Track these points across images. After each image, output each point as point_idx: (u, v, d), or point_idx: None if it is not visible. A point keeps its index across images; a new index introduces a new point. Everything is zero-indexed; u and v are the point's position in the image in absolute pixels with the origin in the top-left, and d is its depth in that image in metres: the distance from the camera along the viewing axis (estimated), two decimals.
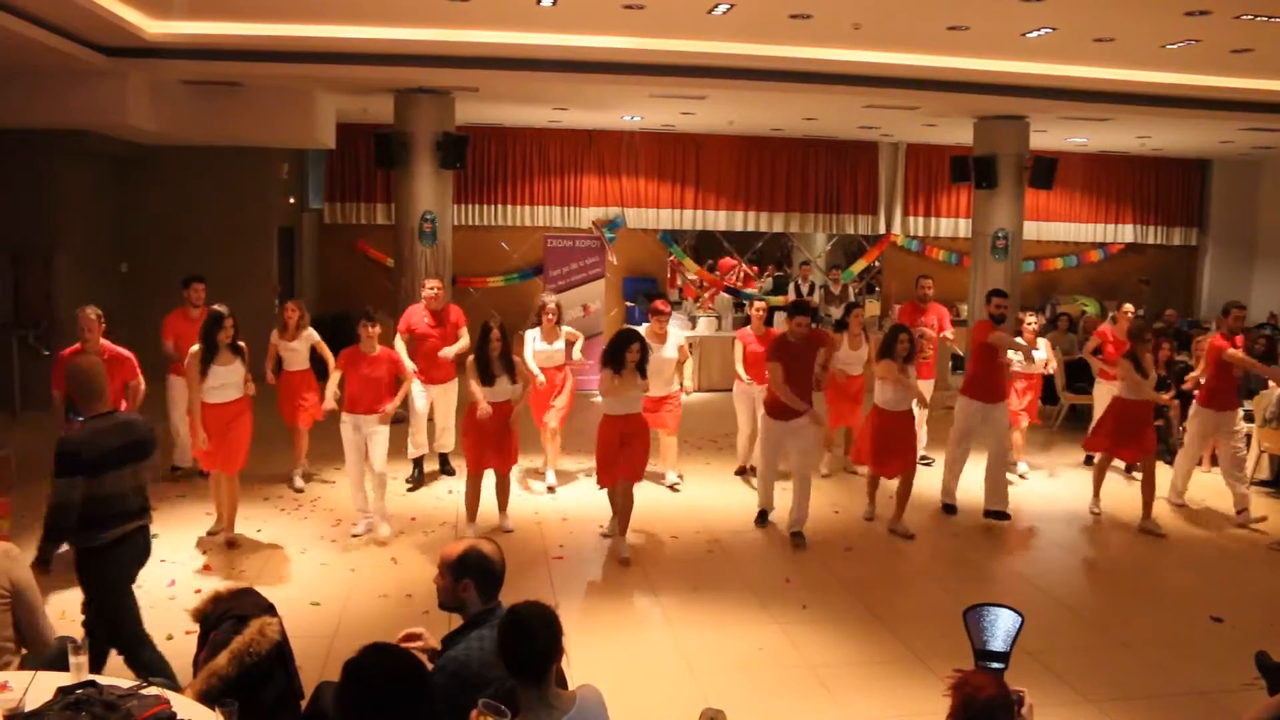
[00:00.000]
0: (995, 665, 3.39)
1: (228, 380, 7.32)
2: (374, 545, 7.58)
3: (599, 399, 7.70)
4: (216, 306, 7.38)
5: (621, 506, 7.51)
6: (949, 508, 8.71)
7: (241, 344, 7.42)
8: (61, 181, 11.61)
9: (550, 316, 8.93)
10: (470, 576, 3.73)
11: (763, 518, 8.33)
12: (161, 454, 8.82)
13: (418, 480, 9.30)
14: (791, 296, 13.92)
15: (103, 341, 7.38)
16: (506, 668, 3.15)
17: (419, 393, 9.12)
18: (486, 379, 7.59)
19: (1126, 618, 6.61)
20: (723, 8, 8.57)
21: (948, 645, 3.49)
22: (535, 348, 8.88)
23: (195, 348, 7.32)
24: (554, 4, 8.61)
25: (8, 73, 9.80)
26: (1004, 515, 8.40)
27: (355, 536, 7.73)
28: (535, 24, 9.42)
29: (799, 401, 7.67)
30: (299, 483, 9.06)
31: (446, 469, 9.65)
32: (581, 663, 5.36)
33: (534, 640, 3.12)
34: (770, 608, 6.53)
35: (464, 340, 9.06)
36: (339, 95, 12.32)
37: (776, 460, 8.06)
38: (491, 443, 7.68)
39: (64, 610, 5.97)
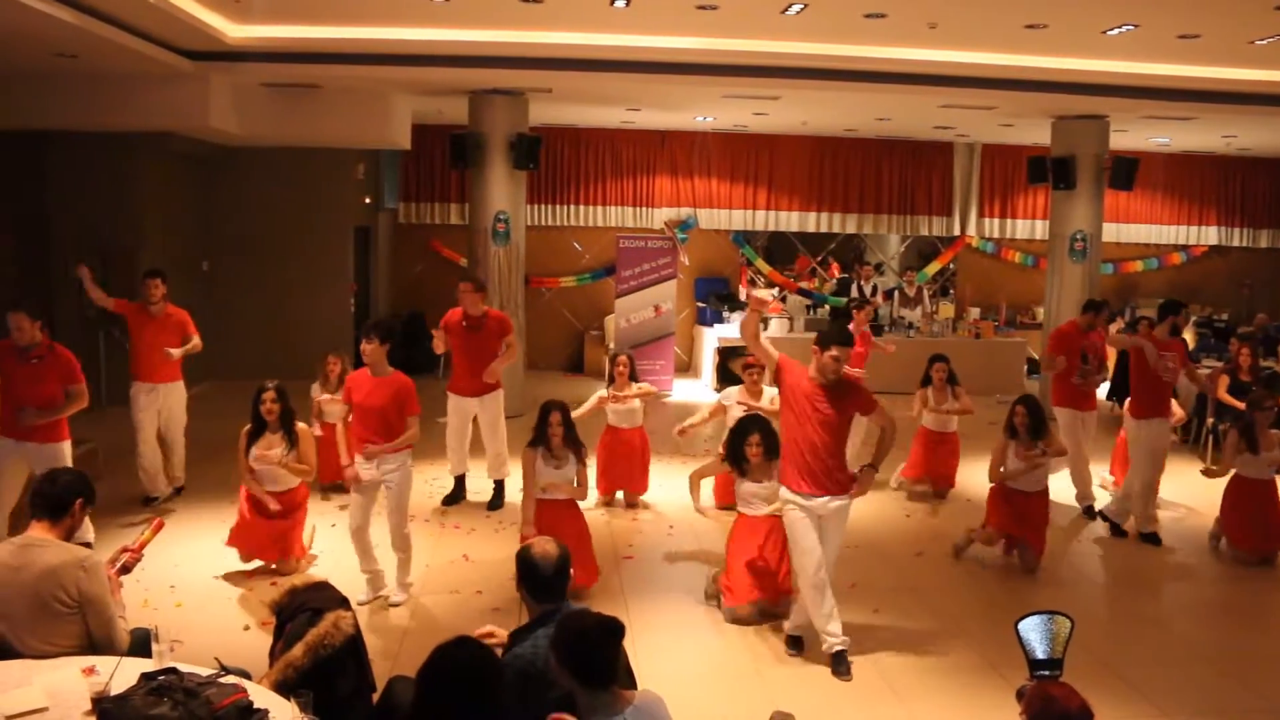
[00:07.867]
0: (1047, 673, 3.34)
1: (267, 464, 6.56)
2: (447, 540, 7.56)
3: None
4: (266, 382, 6.73)
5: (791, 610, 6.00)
6: (1150, 536, 8.00)
7: (300, 425, 6.72)
8: (146, 182, 11.93)
9: (622, 369, 8.39)
10: (518, 575, 3.76)
11: (796, 644, 5.88)
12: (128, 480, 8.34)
13: (458, 496, 8.52)
14: (855, 296, 13.61)
15: (39, 336, 6.53)
16: (570, 673, 3.20)
17: (453, 409, 8.33)
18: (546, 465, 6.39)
19: (1210, 633, 6.43)
20: (796, 7, 8.51)
21: (1018, 652, 3.43)
22: (608, 407, 8.39)
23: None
24: (627, 5, 8.64)
25: (97, 78, 10.12)
26: (1156, 539, 7.97)
27: (362, 604, 6.17)
28: (608, 25, 9.46)
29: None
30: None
31: (496, 500, 8.36)
32: (650, 663, 5.36)
33: (592, 650, 3.16)
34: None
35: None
36: (414, 97, 12.49)
37: (816, 560, 5.51)
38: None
39: (145, 599, 6.15)
